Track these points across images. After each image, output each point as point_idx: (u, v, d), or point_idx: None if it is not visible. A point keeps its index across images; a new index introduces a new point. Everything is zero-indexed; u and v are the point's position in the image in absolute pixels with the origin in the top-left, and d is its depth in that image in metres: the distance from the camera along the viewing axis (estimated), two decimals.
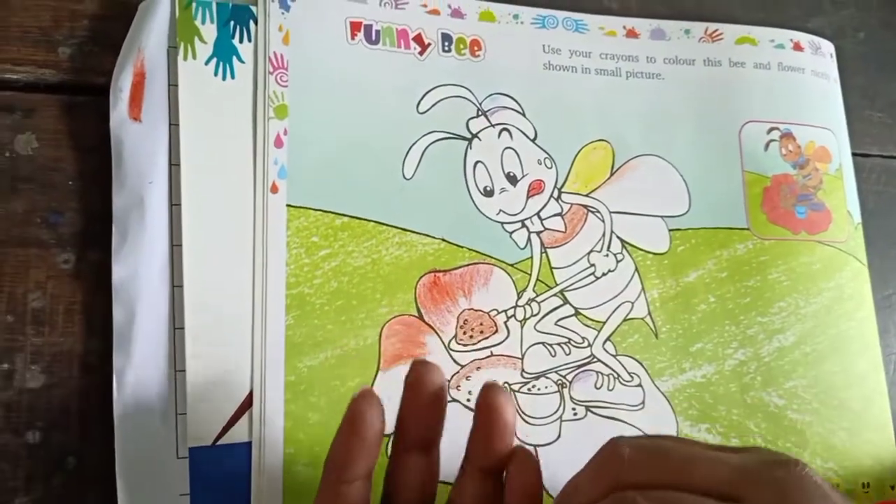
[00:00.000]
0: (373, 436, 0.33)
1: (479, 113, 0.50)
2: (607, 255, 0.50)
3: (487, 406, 0.34)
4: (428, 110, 0.49)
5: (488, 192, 0.49)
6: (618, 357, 0.49)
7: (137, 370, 0.41)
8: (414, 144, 0.48)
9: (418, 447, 0.36)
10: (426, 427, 0.35)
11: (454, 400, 0.46)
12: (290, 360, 0.44)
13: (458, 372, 0.46)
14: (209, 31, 0.45)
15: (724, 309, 0.52)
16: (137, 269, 0.42)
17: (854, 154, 0.59)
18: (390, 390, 0.44)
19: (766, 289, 0.53)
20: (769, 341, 0.52)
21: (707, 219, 0.53)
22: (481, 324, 0.47)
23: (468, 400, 0.46)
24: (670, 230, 0.52)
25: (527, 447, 0.35)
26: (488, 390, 0.35)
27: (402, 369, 0.44)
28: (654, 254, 0.51)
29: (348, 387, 0.44)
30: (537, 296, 0.49)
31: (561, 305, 0.49)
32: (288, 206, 0.45)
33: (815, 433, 0.51)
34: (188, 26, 0.45)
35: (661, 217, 0.52)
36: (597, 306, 0.50)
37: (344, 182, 0.47)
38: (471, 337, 0.47)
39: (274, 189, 0.45)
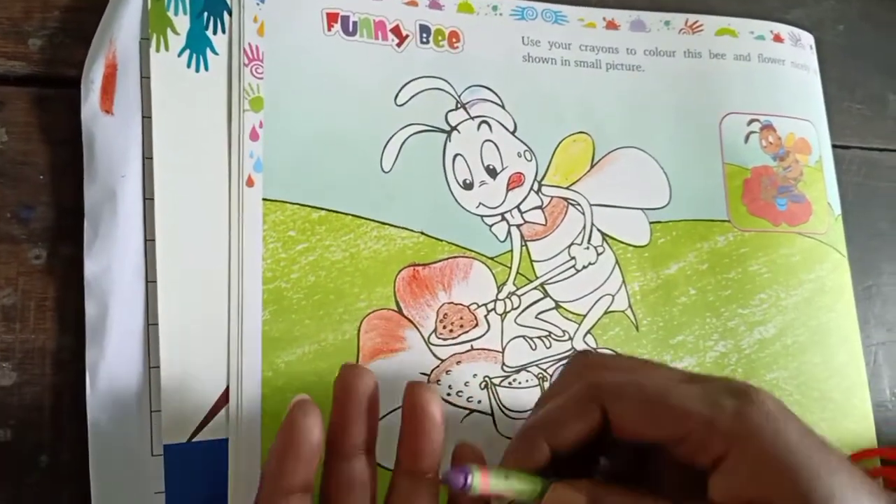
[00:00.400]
0: (309, 447, 0.32)
1: (458, 105, 0.50)
2: (588, 248, 0.50)
3: (413, 406, 0.34)
4: (406, 102, 0.49)
5: (468, 185, 0.49)
6: (599, 350, 0.49)
7: (111, 367, 0.41)
8: (392, 137, 0.48)
9: (355, 453, 0.35)
10: (364, 431, 0.34)
11: None
12: (268, 356, 0.43)
13: (437, 366, 0.46)
14: (182, 22, 0.45)
15: (705, 301, 0.52)
16: (110, 265, 0.42)
17: (834, 146, 0.59)
18: None
19: (746, 281, 0.53)
20: (750, 333, 0.52)
21: (687, 211, 0.53)
22: (461, 318, 0.47)
23: (448, 394, 0.46)
24: (651, 223, 0.52)
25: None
26: (412, 388, 0.34)
27: (382, 364, 0.45)
28: (635, 246, 0.51)
29: (327, 382, 0.43)
30: (517, 289, 0.48)
31: (541, 299, 0.49)
32: (264, 199, 0.45)
33: None
34: (160, 17, 0.44)
35: (642, 209, 0.52)
36: (577, 299, 0.49)
37: (321, 175, 0.46)
38: (451, 331, 0.47)
39: (250, 182, 0.44)
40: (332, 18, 0.48)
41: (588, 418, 0.34)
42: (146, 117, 0.43)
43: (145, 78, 0.44)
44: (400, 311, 0.46)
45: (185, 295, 0.42)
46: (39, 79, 0.44)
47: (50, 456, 0.41)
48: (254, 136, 0.45)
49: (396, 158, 0.48)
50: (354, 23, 0.49)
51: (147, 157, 0.43)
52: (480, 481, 0.32)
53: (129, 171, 0.43)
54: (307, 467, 0.32)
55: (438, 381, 0.46)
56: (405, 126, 0.48)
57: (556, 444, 0.35)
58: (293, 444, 0.32)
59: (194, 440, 0.41)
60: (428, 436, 0.34)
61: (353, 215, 0.46)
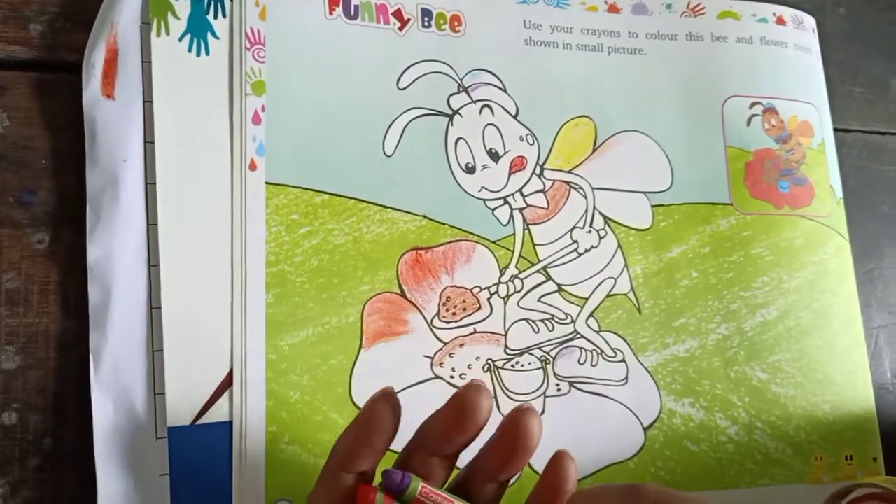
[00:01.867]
0: (383, 442, 0.34)
1: (460, 89, 0.50)
2: (590, 232, 0.50)
3: (517, 429, 0.34)
4: (408, 86, 0.49)
5: (470, 169, 0.49)
6: (601, 333, 0.49)
7: (114, 350, 0.41)
8: (394, 121, 0.48)
9: (444, 456, 0.36)
10: (464, 445, 0.35)
11: (437, 377, 0.46)
12: (272, 339, 0.43)
13: (441, 349, 0.46)
14: (182, 6, 0.45)
15: (707, 284, 0.52)
16: (112, 249, 0.42)
17: (835, 129, 0.58)
18: (372, 368, 0.45)
19: (749, 263, 0.53)
20: (752, 316, 0.52)
21: (690, 194, 0.53)
22: (464, 301, 0.47)
23: (451, 377, 0.46)
24: (653, 206, 0.52)
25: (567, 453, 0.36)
26: (523, 415, 0.34)
27: (385, 347, 0.45)
28: (637, 230, 0.51)
29: (330, 365, 0.44)
30: (520, 272, 0.48)
31: (544, 282, 0.49)
32: (267, 183, 0.45)
33: (799, 407, 0.51)
34: (161, 2, 0.44)
35: (644, 193, 0.52)
36: (580, 282, 0.49)
37: (324, 159, 0.46)
38: (454, 314, 0.47)
39: (252, 166, 0.44)
40: (333, 2, 0.48)
41: None
42: (147, 102, 0.43)
43: (146, 62, 0.44)
44: (403, 295, 0.46)
45: (187, 279, 0.42)
46: (40, 64, 0.44)
47: (54, 439, 0.41)
48: (256, 119, 0.45)
49: (399, 142, 0.48)
50: (356, 6, 0.49)
51: (149, 142, 0.43)
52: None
53: (131, 155, 0.43)
54: (376, 458, 0.34)
55: (441, 363, 0.46)
56: (407, 110, 0.48)
57: None
58: (369, 436, 0.34)
59: (198, 423, 0.41)
60: (524, 458, 0.35)
61: (355, 199, 0.46)
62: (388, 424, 0.34)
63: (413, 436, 0.36)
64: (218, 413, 0.42)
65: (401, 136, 0.48)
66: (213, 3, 0.45)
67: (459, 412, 0.34)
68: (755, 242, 0.53)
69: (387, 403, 0.34)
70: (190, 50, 0.44)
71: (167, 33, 0.44)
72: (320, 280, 0.45)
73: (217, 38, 0.45)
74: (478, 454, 0.36)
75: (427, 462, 0.35)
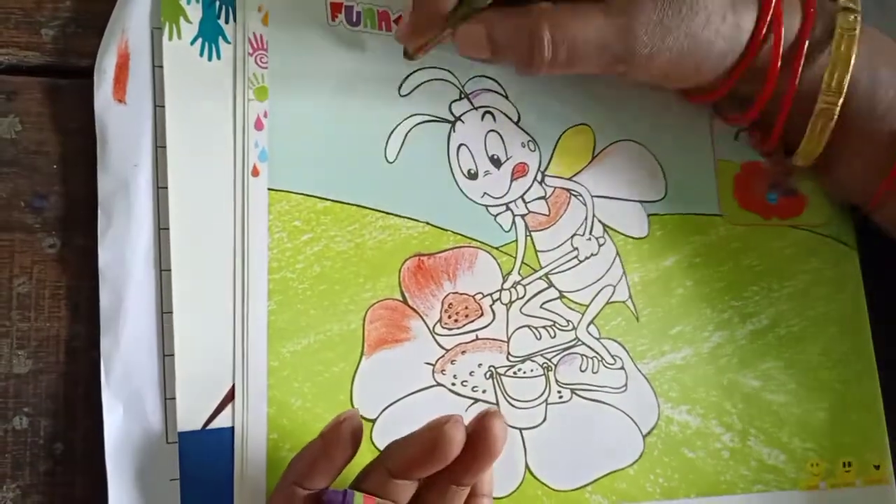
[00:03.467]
0: (340, 463, 0.36)
1: (462, 96, 0.50)
2: (590, 239, 0.51)
3: (485, 433, 0.36)
4: (410, 93, 0.49)
5: (472, 175, 0.49)
6: (601, 340, 0.49)
7: (125, 355, 0.41)
8: (396, 127, 0.48)
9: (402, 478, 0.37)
10: (426, 474, 0.37)
11: (439, 384, 0.46)
12: (273, 346, 0.44)
13: (443, 356, 0.47)
14: (194, 10, 0.45)
15: (701, 293, 0.52)
16: (123, 253, 0.42)
17: None
18: (373, 375, 0.45)
19: (739, 273, 0.53)
20: (743, 324, 0.52)
21: (682, 205, 0.53)
22: (466, 307, 0.48)
23: (453, 384, 0.46)
24: (649, 215, 0.52)
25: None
26: (490, 418, 0.36)
27: (386, 354, 0.45)
28: (634, 238, 0.52)
29: (332, 372, 0.44)
30: (522, 279, 0.49)
31: (546, 288, 0.49)
32: (269, 189, 0.45)
33: (792, 413, 0.52)
34: (173, 6, 0.44)
35: (640, 202, 0.53)
36: (580, 289, 0.50)
37: (326, 165, 0.46)
38: (456, 321, 0.47)
39: (255, 172, 0.45)
40: (336, 8, 0.48)
41: None
42: (159, 106, 0.44)
43: (158, 67, 0.44)
44: (405, 301, 0.47)
45: (198, 284, 0.43)
46: (52, 69, 0.44)
47: (65, 444, 0.41)
48: (258, 125, 0.45)
49: (401, 149, 0.48)
50: (358, 13, 0.49)
51: (160, 146, 0.43)
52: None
53: (142, 160, 0.43)
54: (333, 476, 0.37)
55: (444, 370, 0.46)
56: (409, 116, 0.49)
57: None
58: (328, 456, 0.36)
59: (209, 427, 0.42)
60: (490, 463, 0.36)
61: (357, 205, 0.47)
62: (348, 447, 0.36)
63: (378, 455, 0.38)
64: (228, 418, 0.42)
65: (403, 142, 0.48)
66: (223, 7, 0.45)
67: (433, 445, 0.35)
68: (745, 253, 0.54)
69: (350, 427, 0.36)
70: (202, 54, 0.45)
71: (179, 37, 0.44)
72: (322, 287, 0.45)
73: (228, 42, 0.45)
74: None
75: (384, 482, 0.36)
